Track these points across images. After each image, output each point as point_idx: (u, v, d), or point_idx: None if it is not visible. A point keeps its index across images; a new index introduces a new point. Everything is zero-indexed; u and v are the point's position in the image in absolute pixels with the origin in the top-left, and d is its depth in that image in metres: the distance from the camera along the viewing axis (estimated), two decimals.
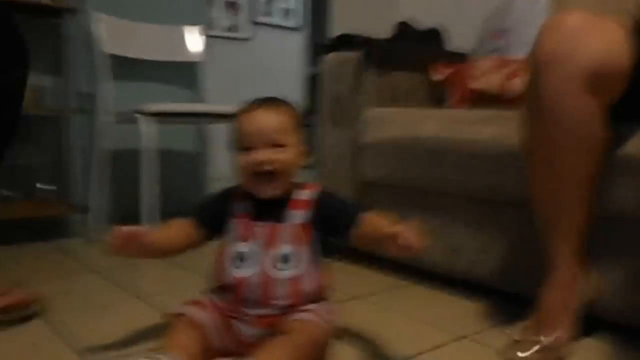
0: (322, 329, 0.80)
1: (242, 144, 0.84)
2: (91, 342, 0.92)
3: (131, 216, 1.90)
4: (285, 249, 0.83)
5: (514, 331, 0.89)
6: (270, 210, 0.86)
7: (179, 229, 0.89)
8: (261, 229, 0.85)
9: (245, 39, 2.93)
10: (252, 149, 0.84)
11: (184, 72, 2.20)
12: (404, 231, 0.75)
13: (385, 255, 1.36)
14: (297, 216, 0.86)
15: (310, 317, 0.80)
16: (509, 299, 1.14)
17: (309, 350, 0.76)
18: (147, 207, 1.63)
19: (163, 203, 1.98)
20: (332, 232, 0.86)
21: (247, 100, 0.88)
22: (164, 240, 0.86)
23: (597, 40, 0.83)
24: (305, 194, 0.88)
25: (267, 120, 0.84)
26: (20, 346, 0.91)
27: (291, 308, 0.82)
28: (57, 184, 1.91)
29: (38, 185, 1.77)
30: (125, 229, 0.79)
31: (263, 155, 0.83)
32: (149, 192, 1.63)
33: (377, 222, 0.83)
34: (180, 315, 0.81)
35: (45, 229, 1.85)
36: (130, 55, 2.01)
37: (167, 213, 2.00)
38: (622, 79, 0.85)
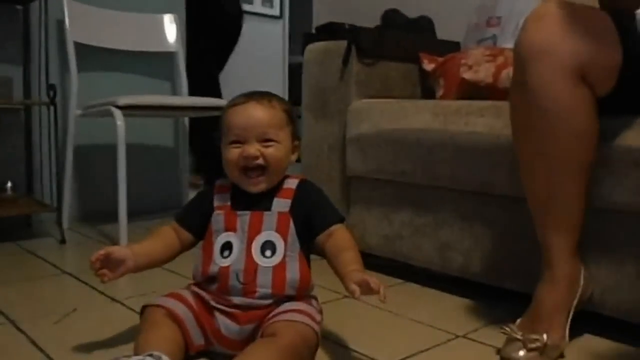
0: (310, 329, 0.78)
1: (232, 138, 0.84)
2: (64, 346, 0.87)
3: (103, 214, 1.83)
4: (270, 236, 0.83)
5: (512, 329, 0.87)
6: (253, 199, 0.86)
7: (163, 239, 0.89)
8: (245, 217, 0.84)
9: None
10: (242, 143, 0.83)
11: (160, 63, 2.12)
12: (363, 286, 0.71)
13: (376, 253, 1.34)
14: (282, 204, 0.85)
15: (297, 317, 0.78)
16: (504, 295, 1.12)
17: (296, 352, 0.73)
18: (122, 204, 1.56)
19: (139, 200, 1.91)
20: (305, 229, 0.85)
21: (236, 94, 0.87)
22: (146, 258, 0.86)
23: (584, 33, 0.80)
24: (290, 183, 0.88)
25: (259, 113, 0.84)
26: None
27: (275, 298, 0.81)
28: (25, 180, 1.82)
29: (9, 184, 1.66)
30: (97, 253, 0.80)
31: (253, 149, 0.82)
32: (124, 188, 1.56)
33: (343, 257, 0.81)
34: (157, 307, 0.79)
35: (10, 228, 1.75)
36: (102, 44, 1.92)
37: (143, 211, 1.95)
38: (610, 73, 0.83)
